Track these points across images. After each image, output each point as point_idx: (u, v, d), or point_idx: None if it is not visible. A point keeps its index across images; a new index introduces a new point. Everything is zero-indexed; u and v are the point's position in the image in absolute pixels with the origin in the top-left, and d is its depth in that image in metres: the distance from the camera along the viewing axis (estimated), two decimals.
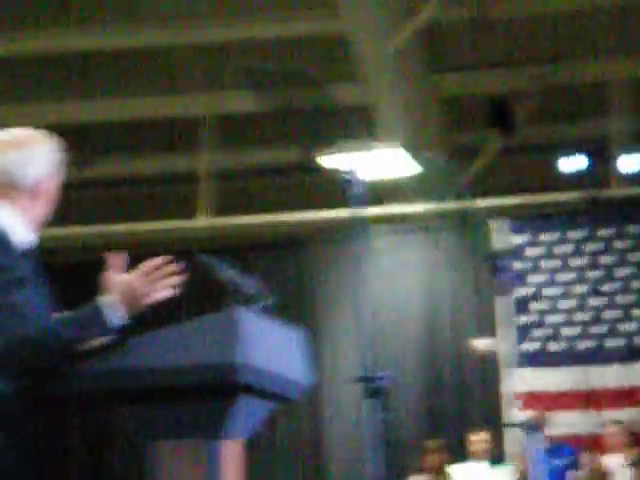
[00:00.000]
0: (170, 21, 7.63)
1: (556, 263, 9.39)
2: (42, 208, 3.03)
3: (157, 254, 9.57)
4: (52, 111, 8.58)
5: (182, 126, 8.92)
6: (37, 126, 8.60)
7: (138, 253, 10.69)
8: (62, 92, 8.48)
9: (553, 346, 9.33)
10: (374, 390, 3.10)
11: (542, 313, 9.37)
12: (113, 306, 2.77)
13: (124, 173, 9.62)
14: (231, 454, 2.81)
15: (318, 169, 8.19)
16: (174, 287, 2.84)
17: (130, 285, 2.80)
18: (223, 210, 9.05)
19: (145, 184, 9.79)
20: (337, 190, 3.58)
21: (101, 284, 2.87)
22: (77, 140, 9.22)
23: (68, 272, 9.70)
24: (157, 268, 2.83)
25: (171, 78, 8.43)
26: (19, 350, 2.68)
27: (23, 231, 2.97)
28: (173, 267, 2.84)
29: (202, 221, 8.86)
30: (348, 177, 3.36)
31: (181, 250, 9.08)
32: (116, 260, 2.90)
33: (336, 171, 3.34)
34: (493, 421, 9.03)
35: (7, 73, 8.09)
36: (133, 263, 9.54)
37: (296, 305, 9.69)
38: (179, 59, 8.08)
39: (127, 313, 2.79)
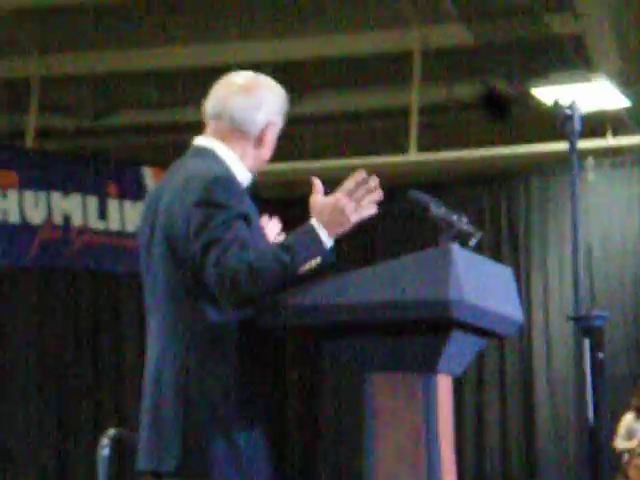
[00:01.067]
0: None
1: None
2: (264, 153, 3.05)
3: None
4: (262, 48, 8.72)
5: (393, 61, 8.90)
6: (245, 64, 8.82)
7: None
8: (271, 30, 8.60)
9: None
10: (588, 329, 3.04)
11: None
12: (324, 227, 2.81)
13: (335, 108, 9.70)
14: (444, 389, 2.83)
15: (531, 102, 8.04)
16: (377, 204, 2.87)
17: (337, 205, 2.83)
18: (434, 145, 9.02)
19: (356, 119, 9.84)
20: (550, 123, 3.51)
21: (310, 207, 2.92)
22: (287, 77, 9.37)
23: (284, 206, 9.92)
24: (360, 185, 2.85)
25: (379, 12, 8.40)
26: (242, 278, 2.72)
27: (243, 171, 3.02)
28: (374, 183, 2.86)
29: (413, 156, 8.85)
30: (566, 109, 3.27)
31: (393, 185, 9.21)
32: (317, 183, 2.93)
33: (553, 103, 3.24)
34: None
35: (217, 10, 8.25)
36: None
37: (508, 241, 9.60)
38: None
39: (336, 233, 2.83)
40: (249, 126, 3.02)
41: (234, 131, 3.02)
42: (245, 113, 3.02)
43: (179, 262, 2.85)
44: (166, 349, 2.87)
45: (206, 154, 2.99)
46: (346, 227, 2.83)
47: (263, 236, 3.00)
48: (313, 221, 2.84)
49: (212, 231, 2.78)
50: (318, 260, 2.84)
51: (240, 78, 3.07)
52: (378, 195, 2.87)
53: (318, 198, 2.91)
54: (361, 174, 2.87)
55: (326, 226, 2.82)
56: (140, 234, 2.98)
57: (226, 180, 2.88)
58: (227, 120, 3.02)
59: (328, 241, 2.81)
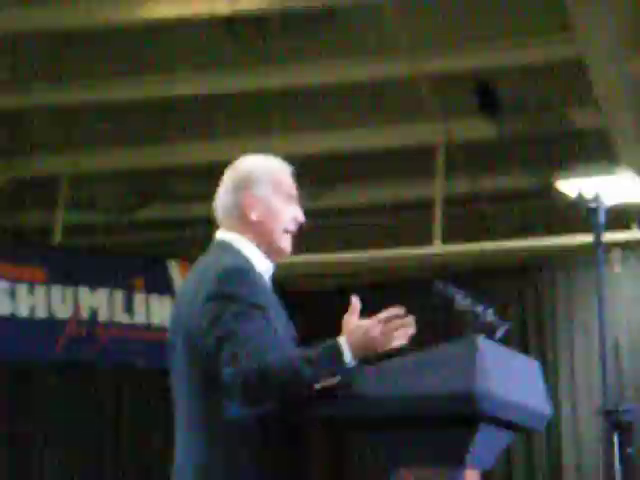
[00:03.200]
0: (403, 53, 7.71)
1: None
2: (264, 231, 3.00)
3: (394, 281, 9.70)
4: (290, 143, 8.82)
5: (417, 154, 8.98)
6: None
7: (374, 280, 10.90)
8: (298, 124, 8.71)
9: None
10: (618, 424, 3.01)
11: None
12: (350, 349, 2.75)
13: (359, 202, 9.77)
14: None
15: (556, 194, 8.07)
16: (409, 338, 2.84)
17: (368, 331, 2.78)
18: (459, 237, 9.04)
19: (381, 212, 9.90)
20: (574, 215, 3.52)
21: (339, 323, 2.89)
22: (313, 171, 9.46)
23: (308, 299, 9.94)
24: (396, 317, 2.82)
25: (403, 106, 8.51)
26: (254, 380, 2.66)
27: (262, 260, 3.00)
28: (410, 319, 2.83)
29: (438, 248, 8.87)
30: (591, 202, 3.29)
31: (417, 277, 9.21)
32: (356, 302, 2.90)
33: (577, 196, 3.26)
34: None
35: (245, 106, 8.38)
36: (370, 291, 9.73)
37: (535, 333, 9.55)
38: (413, 89, 8.14)
39: (359, 357, 2.77)
40: (233, 211, 3.01)
41: (230, 218, 3.02)
42: (226, 197, 3.03)
43: (197, 358, 2.82)
44: (188, 445, 2.85)
45: (224, 247, 2.99)
46: (372, 353, 2.79)
47: (282, 329, 2.93)
48: (342, 339, 2.79)
49: (225, 325, 2.74)
50: (336, 379, 2.77)
51: (232, 168, 3.10)
52: (412, 329, 2.84)
53: (353, 318, 2.87)
54: (398, 309, 2.84)
55: (353, 348, 2.76)
56: (169, 332, 2.98)
57: (238, 271, 2.85)
58: (220, 211, 3.04)
59: (351, 362, 2.75)
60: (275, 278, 3.07)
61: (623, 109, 7.44)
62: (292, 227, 3.06)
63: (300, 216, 3.07)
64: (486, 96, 7.62)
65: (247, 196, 3.01)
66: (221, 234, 3.04)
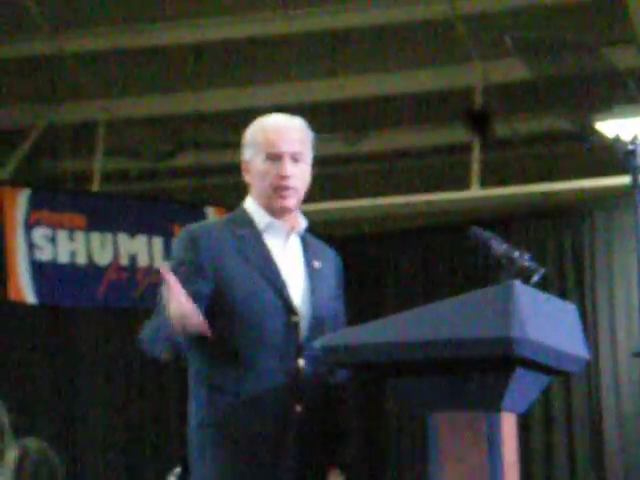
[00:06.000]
0: None
1: None
2: (257, 189, 3.20)
3: (431, 226, 9.66)
4: (322, 88, 8.78)
5: (454, 97, 8.91)
6: (306, 104, 8.90)
7: (412, 225, 10.86)
8: (330, 69, 8.66)
9: None
10: None
11: None
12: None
13: (395, 147, 9.72)
14: (509, 427, 2.81)
15: (595, 137, 7.98)
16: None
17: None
18: (497, 181, 8.99)
19: (417, 156, 9.85)
20: (614, 158, 3.49)
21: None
22: (347, 116, 9.42)
23: (345, 244, 9.94)
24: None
25: (439, 48, 8.43)
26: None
27: (261, 215, 3.18)
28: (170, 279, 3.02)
29: (475, 192, 8.83)
30: (627, 144, 3.25)
31: (455, 222, 9.18)
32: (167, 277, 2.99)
33: (614, 138, 3.22)
34: None
35: (277, 51, 8.33)
36: (407, 235, 9.68)
37: (573, 277, 9.49)
38: (449, 30, 8.06)
39: (180, 332, 2.97)
40: (243, 170, 3.25)
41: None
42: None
43: None
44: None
45: (240, 206, 3.30)
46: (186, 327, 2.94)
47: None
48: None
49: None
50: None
51: None
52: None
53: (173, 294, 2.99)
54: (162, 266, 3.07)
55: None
56: None
57: (184, 233, 3.16)
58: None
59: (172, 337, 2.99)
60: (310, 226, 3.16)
61: None
62: (279, 183, 3.12)
63: (283, 171, 3.13)
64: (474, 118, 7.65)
65: (242, 160, 3.23)
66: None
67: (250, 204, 3.18)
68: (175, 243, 3.18)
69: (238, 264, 3.05)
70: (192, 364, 3.13)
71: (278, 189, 3.13)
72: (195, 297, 2.95)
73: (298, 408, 2.98)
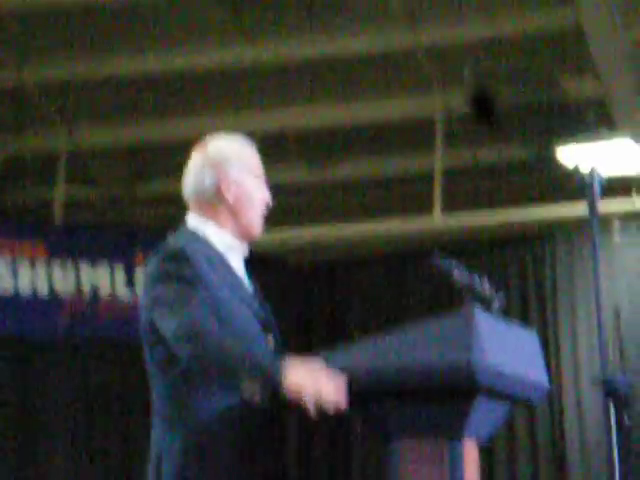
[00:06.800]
0: (397, 22, 7.69)
1: None
2: (239, 212, 3.01)
3: (395, 253, 9.64)
4: (290, 116, 8.81)
5: (417, 126, 8.96)
6: (273, 132, 8.89)
7: (377, 252, 10.82)
8: (298, 97, 8.70)
9: None
10: (614, 393, 3.03)
11: None
12: (286, 377, 2.58)
13: (358, 175, 9.77)
14: (470, 455, 2.82)
15: (555, 164, 8.05)
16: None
17: (314, 380, 2.59)
18: (459, 209, 9.04)
19: (382, 184, 9.89)
20: (574, 185, 3.52)
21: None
22: (314, 144, 9.45)
23: (310, 271, 9.95)
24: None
25: (402, 78, 8.49)
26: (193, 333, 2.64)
27: (225, 238, 2.99)
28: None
29: (438, 220, 8.87)
30: (587, 173, 3.29)
31: (419, 249, 9.22)
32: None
33: (573, 169, 3.26)
34: None
35: (244, 80, 8.36)
36: (370, 263, 9.67)
37: (536, 304, 9.54)
38: (410, 61, 8.12)
39: (290, 389, 2.58)
40: (205, 193, 3.01)
41: (198, 200, 3.03)
42: (196, 182, 3.03)
43: (152, 343, 2.85)
44: (163, 435, 2.82)
45: (183, 230, 3.02)
46: (300, 399, 2.58)
47: (243, 308, 2.91)
48: (288, 363, 2.64)
49: (166, 303, 2.76)
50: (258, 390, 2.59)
51: (196, 148, 3.10)
52: (344, 403, 2.65)
53: (307, 365, 2.66)
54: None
55: (292, 375, 2.59)
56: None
57: (179, 251, 2.86)
58: (188, 193, 3.06)
59: (279, 383, 2.58)
60: (254, 255, 3.06)
61: (622, 77, 7.42)
62: (263, 209, 3.06)
63: (269, 199, 3.07)
64: (481, 107, 7.61)
65: (222, 177, 3.01)
66: (189, 217, 3.07)
67: (202, 223, 2.99)
68: (171, 263, 2.84)
69: (219, 285, 2.89)
70: (164, 389, 2.83)
71: (262, 215, 3.06)
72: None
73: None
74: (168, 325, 2.69)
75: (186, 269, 2.80)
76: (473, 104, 7.51)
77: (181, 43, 7.93)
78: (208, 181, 3.00)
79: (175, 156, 9.29)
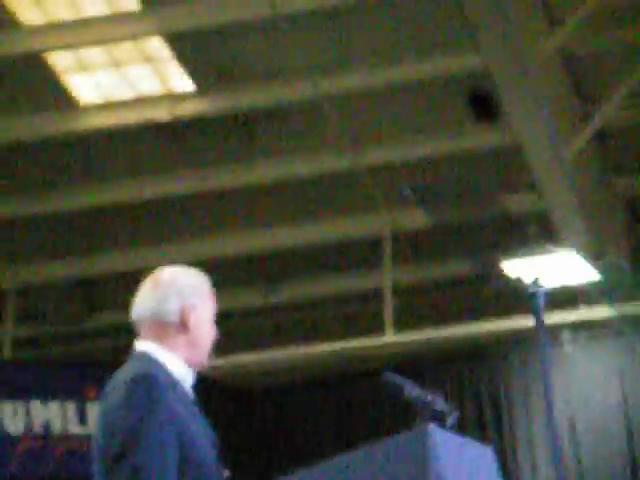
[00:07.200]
0: (348, 144, 7.83)
1: None
2: (197, 339, 3.02)
3: (349, 373, 9.58)
4: (234, 242, 8.87)
5: (364, 245, 9.05)
6: (219, 258, 8.88)
7: (330, 373, 10.74)
8: (249, 222, 8.77)
9: None
10: None
11: None
12: None
13: (309, 296, 9.79)
14: None
15: (498, 278, 8.15)
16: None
17: None
18: (411, 326, 9.07)
19: (331, 305, 9.92)
20: (521, 298, 3.56)
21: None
22: (263, 267, 9.48)
23: (262, 396, 9.87)
24: None
25: (347, 199, 8.60)
26: None
27: (181, 367, 2.99)
28: None
29: (389, 337, 8.89)
30: (531, 285, 3.33)
31: (370, 368, 9.19)
32: None
33: (516, 280, 3.31)
34: None
35: (187, 208, 8.42)
36: (323, 383, 9.59)
37: (492, 418, 9.53)
38: (355, 182, 8.24)
39: None
40: (166, 317, 3.00)
41: (157, 327, 3.01)
42: (157, 306, 3.01)
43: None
44: None
45: (140, 357, 2.97)
46: None
47: (199, 436, 2.89)
48: None
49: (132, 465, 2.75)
50: None
51: (151, 276, 3.09)
52: None
53: None
54: None
55: None
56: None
57: (146, 376, 2.85)
58: (146, 319, 3.02)
59: None
60: (202, 381, 3.07)
61: (562, 191, 7.56)
62: (213, 341, 3.09)
63: (216, 333, 3.10)
64: (481, 104, 7.53)
65: (186, 305, 3.02)
66: (141, 345, 3.04)
67: (158, 349, 2.98)
68: (140, 388, 2.84)
69: (188, 419, 2.87)
70: None
71: (211, 346, 3.11)
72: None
73: None
74: None
75: (155, 394, 2.81)
76: (472, 102, 7.41)
77: (125, 174, 8.00)
78: (172, 307, 3.00)
79: (123, 287, 9.31)
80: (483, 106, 7.37)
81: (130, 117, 7.37)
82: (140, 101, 7.38)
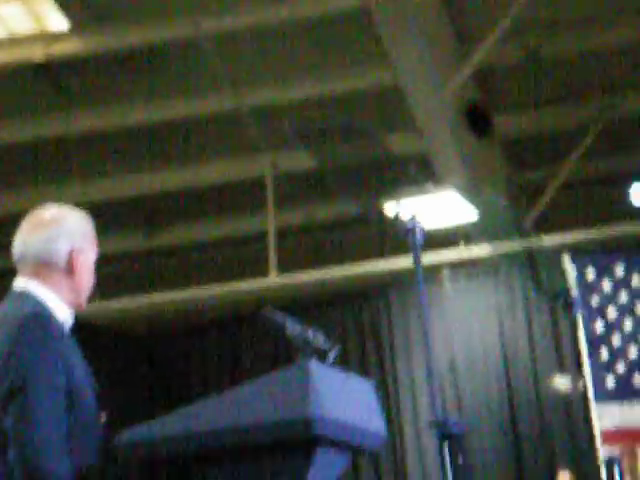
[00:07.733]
0: (229, 85, 7.76)
1: (631, 295, 9.27)
2: (80, 281, 3.00)
3: (233, 316, 9.61)
4: (119, 184, 8.76)
5: (246, 187, 9.03)
6: (99, 201, 8.76)
7: (213, 316, 10.78)
8: (130, 165, 8.66)
9: (637, 379, 9.17)
10: (448, 435, 3.09)
11: (621, 347, 9.24)
12: None
13: (192, 239, 9.75)
14: None
15: (379, 219, 8.23)
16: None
17: None
18: (294, 267, 9.11)
19: (213, 248, 9.90)
20: (401, 238, 3.60)
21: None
22: (145, 210, 9.40)
23: (149, 340, 9.84)
24: None
25: (228, 141, 8.55)
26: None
27: (63, 308, 2.97)
28: None
29: (273, 279, 8.92)
30: (409, 224, 3.36)
31: (255, 310, 9.23)
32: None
33: (394, 218, 3.33)
34: (577, 461, 8.90)
35: (75, 149, 8.28)
36: (209, 327, 9.63)
37: (374, 356, 9.69)
38: (236, 124, 8.19)
39: None
40: (53, 258, 2.98)
41: (42, 267, 2.97)
42: (45, 246, 2.98)
43: None
44: None
45: (22, 296, 2.94)
46: None
47: (80, 378, 2.88)
48: None
49: (21, 408, 2.72)
50: None
51: (36, 214, 3.04)
52: None
53: None
54: None
55: None
56: None
57: (39, 317, 2.83)
58: (32, 258, 2.98)
59: None
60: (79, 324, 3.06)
61: (442, 132, 7.65)
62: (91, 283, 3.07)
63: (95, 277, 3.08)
64: (477, 119, 7.65)
65: (74, 247, 3.00)
66: (22, 283, 3.00)
67: (47, 294, 2.95)
68: (36, 328, 2.81)
69: (73, 362, 2.86)
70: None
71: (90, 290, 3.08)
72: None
73: None
74: (26, 451, 2.66)
75: (49, 335, 2.79)
76: (468, 116, 7.55)
77: (4, 117, 7.81)
78: (60, 249, 2.97)
79: (1, 230, 9.15)
80: (478, 121, 7.56)
81: (3, 57, 7.17)
82: (14, 41, 7.18)
